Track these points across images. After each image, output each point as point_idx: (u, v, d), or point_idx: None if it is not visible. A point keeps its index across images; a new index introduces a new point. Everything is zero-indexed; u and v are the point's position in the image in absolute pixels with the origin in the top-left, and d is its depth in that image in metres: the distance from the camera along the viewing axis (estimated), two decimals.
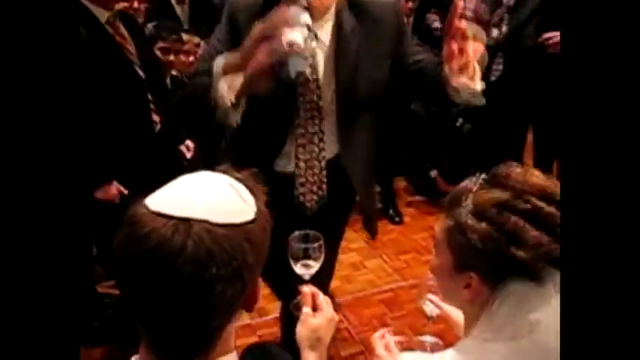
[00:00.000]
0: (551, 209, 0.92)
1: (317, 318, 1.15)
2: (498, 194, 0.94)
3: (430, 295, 1.36)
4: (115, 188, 2.20)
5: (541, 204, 0.92)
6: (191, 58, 2.96)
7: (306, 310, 1.17)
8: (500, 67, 3.41)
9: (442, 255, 1.02)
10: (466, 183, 1.00)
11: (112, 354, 2.52)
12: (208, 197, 0.76)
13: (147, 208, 0.75)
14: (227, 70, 1.48)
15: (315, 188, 1.77)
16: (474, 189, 0.98)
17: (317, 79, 1.64)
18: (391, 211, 3.89)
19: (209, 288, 0.72)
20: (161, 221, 0.72)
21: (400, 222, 3.84)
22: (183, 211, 0.73)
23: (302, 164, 1.72)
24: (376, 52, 1.65)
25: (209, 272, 0.72)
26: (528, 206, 0.92)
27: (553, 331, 0.88)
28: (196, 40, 3.06)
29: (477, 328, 0.98)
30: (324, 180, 1.76)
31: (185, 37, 3.00)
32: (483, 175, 1.00)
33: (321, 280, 2.42)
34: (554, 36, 2.97)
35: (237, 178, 0.83)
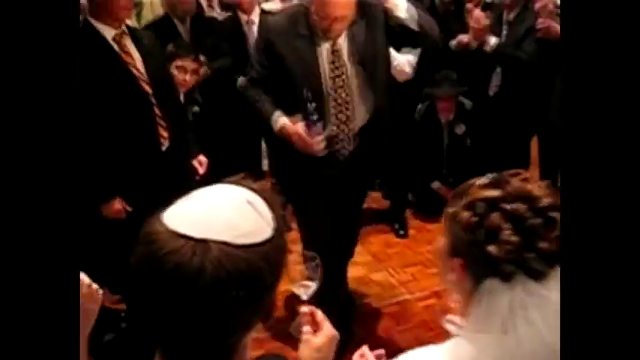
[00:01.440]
0: (537, 220, 0.96)
1: (319, 337, 1.14)
2: (491, 192, 1.01)
3: (450, 316, 1.35)
4: (120, 204, 2.21)
5: (527, 212, 0.97)
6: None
7: (307, 329, 1.16)
8: (498, 82, 3.45)
9: (444, 238, 1.09)
10: (475, 180, 1.07)
11: None
12: (226, 216, 0.75)
13: (164, 225, 0.74)
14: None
15: (345, 144, 2.40)
16: (477, 185, 1.05)
17: (345, 67, 2.31)
18: (397, 225, 3.89)
19: (228, 310, 0.73)
20: (179, 242, 0.71)
21: (405, 235, 3.84)
22: (201, 232, 0.72)
23: (335, 128, 2.34)
24: (378, 39, 2.33)
25: (228, 295, 0.71)
26: (513, 208, 0.97)
27: (535, 334, 0.94)
28: (202, 59, 3.12)
29: (470, 318, 1.03)
30: (354, 137, 2.39)
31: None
32: (489, 175, 1.06)
33: (348, 242, 2.78)
34: (545, 21, 3.01)
35: (253, 190, 0.81)
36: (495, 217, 0.98)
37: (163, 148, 2.34)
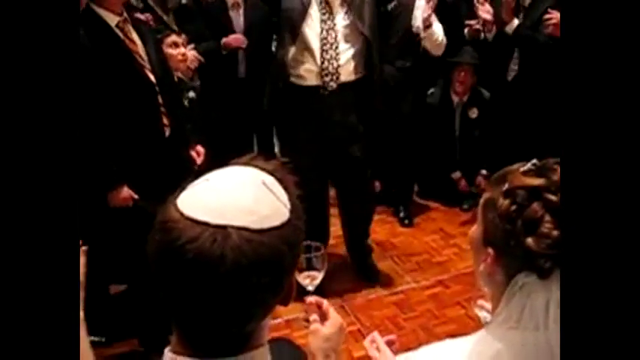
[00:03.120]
0: None
1: (327, 327, 1.12)
2: (535, 180, 0.94)
3: (481, 301, 1.33)
4: (127, 192, 2.20)
5: None
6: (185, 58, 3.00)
7: (315, 319, 1.16)
8: (516, 67, 3.41)
9: (478, 225, 1.03)
10: (518, 165, 1.00)
11: (133, 352, 2.56)
12: (243, 200, 0.73)
13: (180, 212, 0.72)
14: None
15: (335, 77, 2.74)
16: (519, 171, 0.98)
17: (334, 16, 2.72)
18: (402, 214, 3.89)
19: (250, 296, 0.72)
20: (197, 229, 0.70)
21: (410, 224, 3.84)
22: (219, 218, 0.71)
23: (326, 62, 2.72)
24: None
25: (249, 281, 0.70)
26: (555, 199, 0.91)
27: None
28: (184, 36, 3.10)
29: (501, 313, 0.98)
30: (339, 71, 2.73)
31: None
32: (535, 161, 0.99)
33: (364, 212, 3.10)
34: (554, 17, 2.98)
35: (266, 170, 0.80)
36: (536, 207, 0.91)
37: (166, 136, 2.33)
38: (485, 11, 3.33)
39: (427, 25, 3.07)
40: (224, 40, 3.51)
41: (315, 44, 2.72)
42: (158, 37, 2.58)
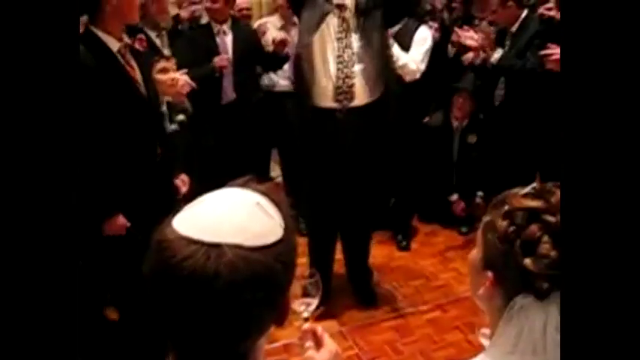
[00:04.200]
0: None
1: (322, 354, 1.12)
2: (532, 202, 0.95)
3: (484, 329, 1.32)
4: (122, 220, 2.18)
5: None
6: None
7: (309, 345, 1.16)
8: (502, 92, 3.47)
9: (477, 248, 1.04)
10: (518, 188, 1.01)
11: None
12: (237, 219, 0.75)
13: (175, 232, 0.74)
14: None
15: (348, 96, 2.79)
16: (519, 194, 0.99)
17: (350, 34, 2.79)
18: (400, 237, 3.89)
19: (244, 313, 0.73)
20: (192, 247, 0.71)
21: (407, 248, 3.84)
22: (213, 236, 0.72)
23: (341, 81, 2.78)
24: (375, 22, 2.80)
25: (244, 298, 0.71)
26: (553, 220, 0.92)
27: None
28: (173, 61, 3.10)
29: (499, 337, 0.98)
30: (353, 91, 2.79)
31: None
32: (534, 184, 1.00)
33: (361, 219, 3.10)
34: (554, 53, 3.02)
35: (260, 192, 0.81)
36: (535, 228, 0.92)
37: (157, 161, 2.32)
38: (469, 37, 3.36)
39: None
40: (215, 62, 3.54)
41: (331, 62, 2.79)
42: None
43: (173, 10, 3.82)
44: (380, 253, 3.68)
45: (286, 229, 0.79)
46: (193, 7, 3.78)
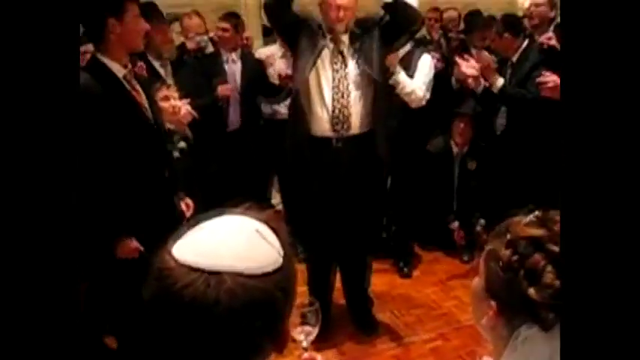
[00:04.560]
0: None
1: None
2: (535, 231, 0.95)
3: (486, 357, 1.31)
4: (134, 243, 2.18)
5: None
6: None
7: None
8: (504, 120, 3.48)
9: (480, 277, 1.03)
10: (520, 217, 1.01)
11: None
12: (236, 246, 0.76)
13: (175, 259, 0.75)
14: None
15: (345, 126, 2.80)
16: (522, 222, 0.99)
17: (345, 64, 2.79)
18: (401, 263, 3.86)
19: (244, 340, 0.73)
20: (193, 275, 0.72)
21: (409, 275, 3.81)
22: (213, 264, 0.73)
23: (337, 111, 2.77)
24: (373, 45, 2.80)
25: (244, 324, 0.72)
26: (557, 250, 0.91)
27: None
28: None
29: None
30: (350, 120, 2.79)
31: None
32: (537, 212, 1.00)
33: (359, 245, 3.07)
34: (550, 80, 3.04)
35: (260, 219, 0.82)
36: (538, 257, 0.92)
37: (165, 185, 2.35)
38: (470, 67, 3.34)
39: (391, 73, 3.11)
40: (218, 91, 3.59)
41: (326, 92, 2.78)
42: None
43: (178, 40, 3.87)
44: (380, 281, 3.65)
45: (285, 256, 0.80)
46: (199, 38, 3.83)
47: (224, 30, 3.71)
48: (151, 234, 2.15)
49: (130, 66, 2.24)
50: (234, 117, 3.75)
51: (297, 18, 2.82)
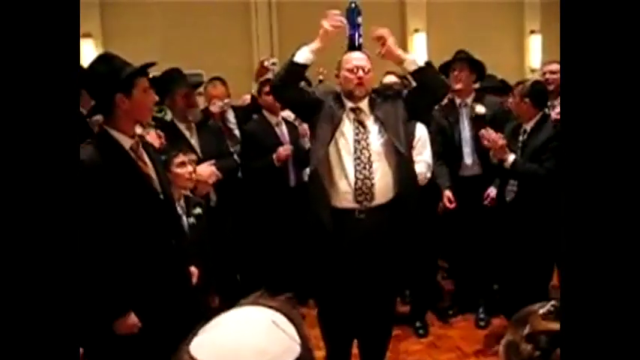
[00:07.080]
0: None
1: None
2: (554, 325, 0.96)
3: None
4: (134, 319, 2.15)
5: None
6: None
7: None
8: (514, 188, 3.45)
9: None
10: (538, 305, 1.02)
11: None
12: (255, 342, 0.76)
13: (195, 359, 0.75)
14: None
15: (368, 197, 2.72)
16: (540, 313, 1.00)
17: (367, 135, 2.74)
18: (418, 323, 3.81)
19: None
20: None
21: (425, 334, 3.75)
22: None
23: (360, 182, 2.70)
24: (398, 111, 2.79)
25: None
26: None
27: None
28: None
29: None
30: (373, 191, 2.71)
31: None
32: (553, 302, 1.01)
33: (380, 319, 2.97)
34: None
35: (274, 308, 0.83)
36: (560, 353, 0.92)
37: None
38: (492, 140, 3.29)
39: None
40: (278, 153, 3.77)
41: (348, 164, 2.72)
42: (163, 158, 2.64)
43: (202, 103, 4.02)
44: (395, 347, 3.57)
45: (302, 344, 0.80)
46: (221, 103, 3.94)
47: (267, 94, 3.82)
48: (157, 305, 2.16)
49: (136, 137, 2.27)
50: (292, 175, 3.96)
51: (307, 95, 2.83)
